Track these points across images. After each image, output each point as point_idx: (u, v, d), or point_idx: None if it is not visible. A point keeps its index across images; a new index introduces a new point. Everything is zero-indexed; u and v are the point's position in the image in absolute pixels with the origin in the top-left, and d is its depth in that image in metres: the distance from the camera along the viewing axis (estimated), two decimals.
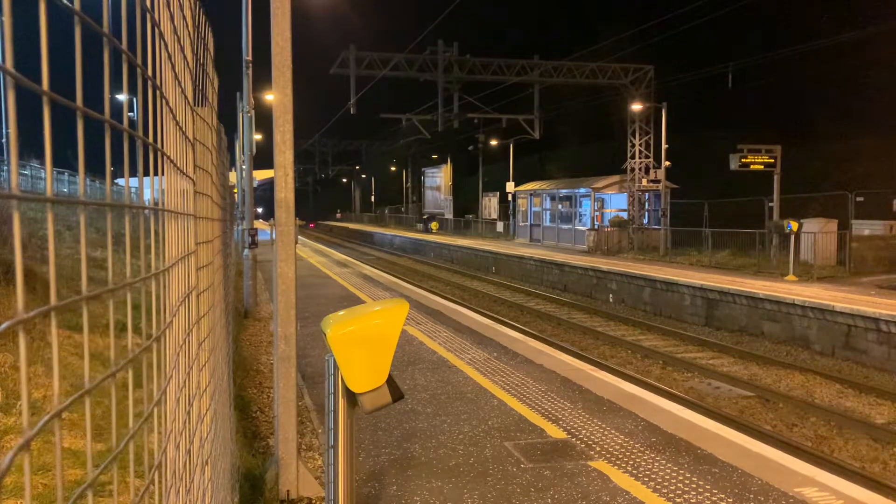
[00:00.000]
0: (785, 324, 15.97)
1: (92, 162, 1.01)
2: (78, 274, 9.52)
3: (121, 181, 21.59)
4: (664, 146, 28.40)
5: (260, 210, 65.49)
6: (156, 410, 1.29)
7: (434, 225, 52.52)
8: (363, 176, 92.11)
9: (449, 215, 55.77)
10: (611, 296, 22.90)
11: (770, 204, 23.65)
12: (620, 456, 6.16)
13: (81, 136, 0.90)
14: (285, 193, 5.48)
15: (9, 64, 0.71)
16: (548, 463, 5.99)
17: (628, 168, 31.07)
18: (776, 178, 23.62)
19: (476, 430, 6.85)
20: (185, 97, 2.00)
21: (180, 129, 1.84)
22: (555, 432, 6.79)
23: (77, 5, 0.88)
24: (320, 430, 6.86)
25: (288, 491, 5.34)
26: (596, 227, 31.56)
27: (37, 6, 0.78)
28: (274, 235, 5.51)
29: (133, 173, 1.24)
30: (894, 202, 23.52)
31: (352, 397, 3.14)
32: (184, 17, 1.96)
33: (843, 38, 28.44)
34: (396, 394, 3.12)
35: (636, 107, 30.65)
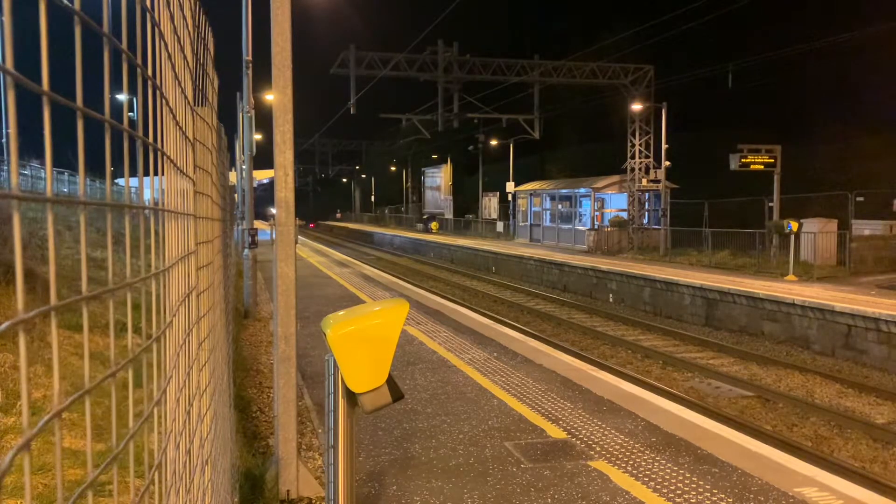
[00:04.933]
0: (785, 324, 15.97)
1: (92, 162, 1.01)
2: (78, 274, 9.52)
3: (121, 181, 21.59)
4: (664, 146, 28.39)
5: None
6: (156, 410, 1.29)
7: (434, 225, 52.48)
8: (363, 176, 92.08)
9: (449, 215, 55.73)
10: (611, 296, 22.89)
11: (770, 204, 23.65)
12: (620, 456, 6.16)
13: (81, 136, 0.90)
14: (285, 193, 5.48)
15: (9, 64, 0.71)
16: (548, 463, 5.99)
17: (628, 168, 31.06)
18: (776, 178, 23.62)
19: (476, 430, 6.85)
20: (185, 97, 2.00)
21: (180, 129, 1.83)
22: (555, 432, 6.79)
23: (77, 5, 0.88)
24: (320, 430, 6.86)
25: (288, 491, 5.34)
26: (596, 227, 31.56)
27: (37, 6, 0.78)
28: (274, 235, 5.51)
29: (133, 173, 1.24)
30: (894, 202, 23.52)
31: (352, 397, 3.14)
32: (184, 17, 1.95)
33: (843, 38, 28.42)
34: (396, 394, 3.12)
35: (636, 107, 30.65)
